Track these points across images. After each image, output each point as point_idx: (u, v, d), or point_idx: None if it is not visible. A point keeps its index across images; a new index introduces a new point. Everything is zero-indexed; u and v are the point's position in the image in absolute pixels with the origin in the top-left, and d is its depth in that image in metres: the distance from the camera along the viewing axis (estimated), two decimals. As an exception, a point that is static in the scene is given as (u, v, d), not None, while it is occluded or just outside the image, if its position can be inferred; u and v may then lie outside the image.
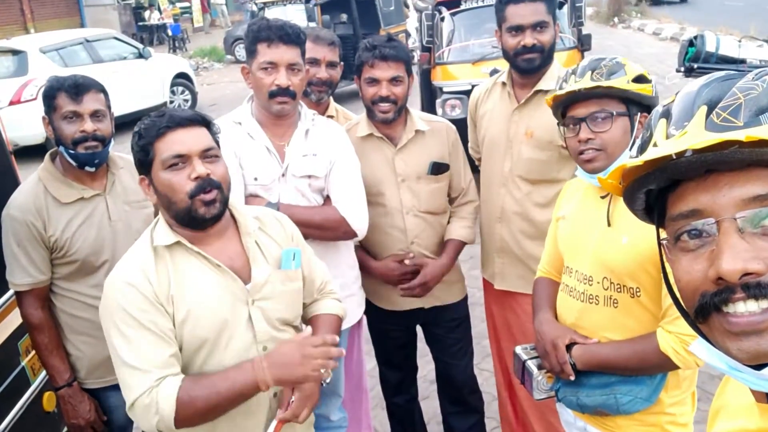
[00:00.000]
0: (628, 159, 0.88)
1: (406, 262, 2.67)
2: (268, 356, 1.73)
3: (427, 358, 3.14)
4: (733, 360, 0.77)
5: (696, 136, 0.78)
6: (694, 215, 0.80)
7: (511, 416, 3.05)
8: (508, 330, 2.90)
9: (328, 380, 1.88)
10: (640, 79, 1.83)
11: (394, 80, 2.55)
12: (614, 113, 1.81)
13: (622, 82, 1.80)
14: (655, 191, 0.89)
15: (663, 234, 0.88)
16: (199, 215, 1.72)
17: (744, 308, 0.75)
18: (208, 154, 1.74)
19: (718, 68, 5.64)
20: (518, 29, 2.54)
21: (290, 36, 2.30)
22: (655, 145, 0.84)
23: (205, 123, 1.79)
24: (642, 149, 0.87)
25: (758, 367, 0.76)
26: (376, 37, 2.67)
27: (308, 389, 1.81)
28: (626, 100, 1.83)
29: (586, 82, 1.81)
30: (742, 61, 5.53)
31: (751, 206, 0.76)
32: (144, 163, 1.75)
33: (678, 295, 0.86)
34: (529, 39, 2.52)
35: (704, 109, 0.80)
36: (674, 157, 0.80)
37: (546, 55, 2.55)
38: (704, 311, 0.79)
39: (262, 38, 2.29)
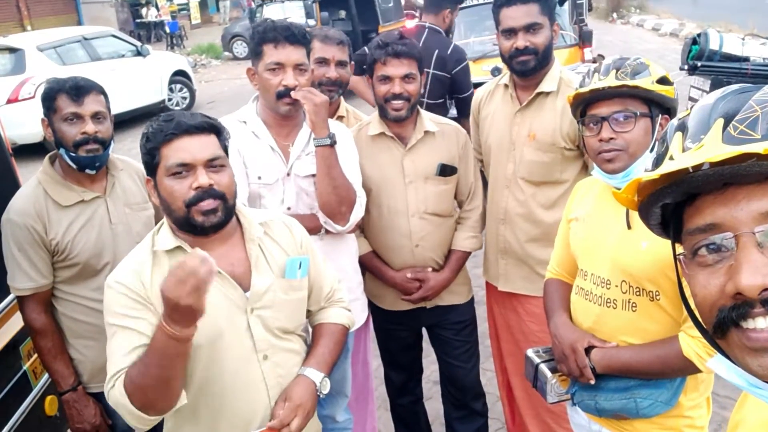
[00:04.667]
0: (644, 173, 0.86)
1: (408, 275, 2.67)
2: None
3: (431, 358, 3.13)
4: (752, 377, 0.76)
5: (713, 149, 0.77)
6: (712, 229, 0.79)
7: (508, 416, 3.04)
8: (508, 330, 2.91)
9: (325, 391, 1.86)
10: (663, 80, 1.81)
11: (407, 77, 2.54)
12: (637, 113, 1.79)
13: (647, 82, 1.78)
14: (671, 205, 0.88)
15: (679, 249, 0.87)
16: (198, 223, 1.70)
17: (764, 324, 0.74)
18: (214, 164, 1.71)
19: (721, 66, 5.63)
20: (511, 32, 2.53)
21: (296, 36, 2.29)
22: (671, 158, 0.83)
23: (215, 130, 1.76)
24: (658, 163, 0.85)
25: None
26: (387, 35, 2.66)
27: (298, 398, 1.79)
28: (649, 101, 1.80)
29: (611, 81, 1.79)
30: (746, 59, 5.51)
31: None
32: (150, 166, 1.74)
33: (695, 310, 0.84)
34: (521, 41, 2.50)
35: (721, 121, 0.78)
36: (691, 170, 0.79)
37: (541, 56, 2.53)
38: (723, 327, 0.77)
39: (268, 39, 2.28)
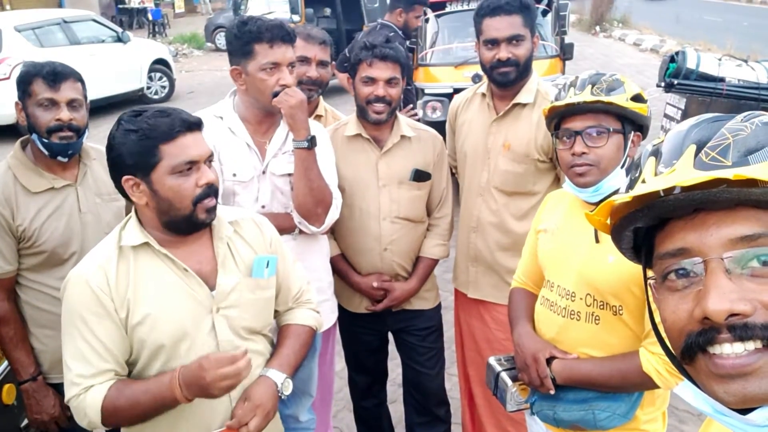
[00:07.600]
0: (617, 196, 0.87)
1: (374, 284, 2.68)
2: (183, 373, 1.63)
3: (396, 361, 3.13)
4: (718, 403, 0.77)
5: (684, 174, 0.78)
6: (682, 254, 0.80)
7: (468, 423, 3.06)
8: (472, 338, 2.92)
9: (287, 393, 1.85)
10: (637, 98, 1.83)
11: (391, 81, 2.55)
12: (610, 129, 1.82)
13: (621, 99, 1.80)
14: (642, 230, 0.89)
15: (650, 274, 0.88)
16: (200, 221, 1.70)
17: (730, 350, 0.74)
18: (210, 159, 1.73)
19: (697, 85, 5.72)
20: (493, 42, 2.54)
21: (290, 35, 2.30)
22: (643, 182, 0.84)
23: (202, 127, 1.75)
24: (630, 186, 0.86)
25: (744, 411, 0.75)
26: (373, 37, 2.66)
27: (258, 399, 1.78)
28: (622, 118, 1.83)
29: (586, 96, 1.81)
30: (721, 80, 5.60)
31: (738, 246, 0.76)
32: (142, 165, 1.65)
33: (664, 336, 0.85)
34: (503, 53, 2.52)
35: (693, 147, 0.80)
36: (662, 194, 0.80)
37: (522, 68, 2.55)
38: (690, 352, 0.78)
39: (263, 39, 2.24)
